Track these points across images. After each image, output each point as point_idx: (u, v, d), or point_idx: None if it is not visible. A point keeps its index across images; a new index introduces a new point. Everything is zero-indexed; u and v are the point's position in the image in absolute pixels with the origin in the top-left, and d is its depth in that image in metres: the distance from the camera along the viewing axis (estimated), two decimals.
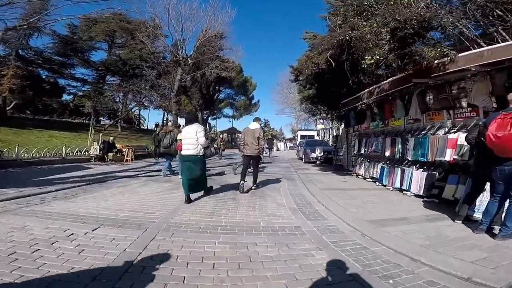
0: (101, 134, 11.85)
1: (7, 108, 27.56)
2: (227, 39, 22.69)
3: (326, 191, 6.31)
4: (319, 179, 8.43)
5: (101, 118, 33.46)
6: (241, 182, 6.05)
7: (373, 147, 7.77)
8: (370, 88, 7.31)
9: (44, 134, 15.44)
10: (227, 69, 22.65)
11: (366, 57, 5.57)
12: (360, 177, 8.56)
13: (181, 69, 21.65)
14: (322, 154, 14.15)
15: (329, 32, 7.69)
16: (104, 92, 24.66)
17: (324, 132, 34.93)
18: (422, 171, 5.80)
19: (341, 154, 11.76)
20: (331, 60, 7.14)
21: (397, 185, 6.42)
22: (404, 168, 6.34)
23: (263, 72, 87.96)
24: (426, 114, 6.00)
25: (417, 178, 5.83)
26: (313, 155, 14.55)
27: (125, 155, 11.87)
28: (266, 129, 55.19)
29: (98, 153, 11.30)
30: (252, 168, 6.45)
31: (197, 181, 5.08)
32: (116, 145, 12.51)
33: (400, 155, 6.53)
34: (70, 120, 32.15)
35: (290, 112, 45.70)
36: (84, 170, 8.56)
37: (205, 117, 38.87)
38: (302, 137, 31.71)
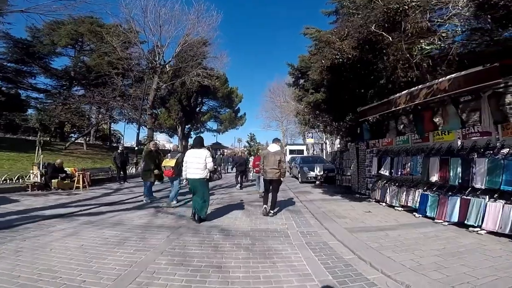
0: (41, 156, 9.00)
1: None
2: (211, 46, 20.90)
3: (359, 235, 4.16)
4: (333, 209, 6.28)
5: (72, 135, 29.61)
6: (264, 206, 5.82)
7: (408, 169, 5.82)
8: (413, 89, 5.38)
9: None
10: (210, 77, 20.62)
11: (421, 42, 3.66)
12: (383, 204, 6.53)
13: (157, 77, 19.56)
14: (322, 173, 12.12)
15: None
16: (69, 104, 21.26)
17: (313, 146, 33.41)
18: (506, 203, 3.84)
19: (348, 173, 9.76)
20: (377, 36, 4.86)
21: (455, 218, 4.48)
22: (469, 198, 4.37)
23: (248, 85, 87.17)
24: (502, 125, 4.15)
25: (496, 211, 3.89)
26: (311, 174, 12.48)
27: (75, 182, 9.11)
28: (252, 143, 53.37)
29: (38, 180, 8.52)
30: (271, 192, 5.82)
31: (197, 204, 5.01)
32: (65, 168, 9.75)
33: (459, 180, 4.57)
34: (30, 138, 28.16)
35: (277, 126, 44.51)
36: (7, 205, 5.88)
37: (186, 132, 36.19)
38: (291, 151, 30.03)
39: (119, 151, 12.13)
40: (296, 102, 22.00)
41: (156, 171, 6.96)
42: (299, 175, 13.43)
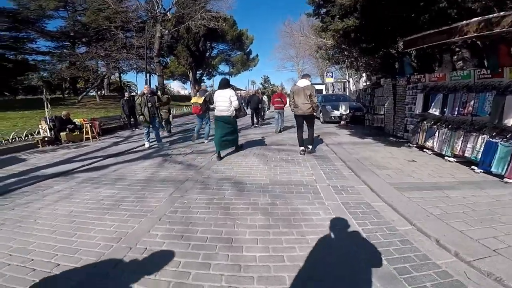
0: (47, 110, 8.36)
1: None
2: None
3: (410, 194, 3.21)
4: (368, 156, 5.27)
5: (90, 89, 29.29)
6: (301, 149, 5.78)
7: (470, 108, 4.42)
8: (491, 16, 3.62)
9: None
10: (216, 20, 19.36)
11: None
12: (428, 152, 5.36)
13: (160, 26, 18.80)
14: (348, 112, 10.75)
15: None
16: (74, 61, 20.39)
17: (333, 86, 30.82)
18: None
19: (381, 113, 8.37)
20: None
21: None
22: None
23: (259, 27, 79.41)
24: None
25: None
26: (335, 113, 11.15)
27: (84, 133, 8.65)
28: (266, 85, 51.09)
29: (48, 135, 8.11)
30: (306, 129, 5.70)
31: (229, 139, 5.57)
32: (73, 120, 9.23)
33: None
34: (46, 96, 28.21)
35: (292, 66, 41.46)
36: (14, 165, 5.50)
37: (198, 77, 34.50)
38: None
39: (125, 98, 11.45)
40: (316, 36, 18.98)
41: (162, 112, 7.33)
42: (321, 114, 12.16)
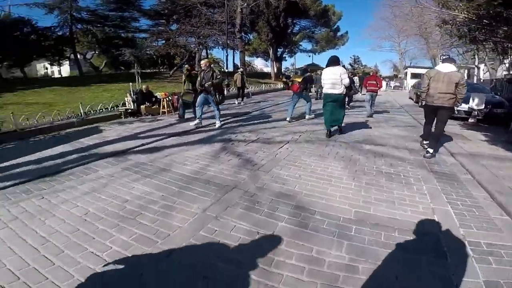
0: (132, 84, 8.76)
1: (100, 68, 29.51)
2: None
3: None
4: None
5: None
6: (424, 143, 4.80)
7: None
8: None
9: (100, 89, 14.08)
10: None
11: None
12: None
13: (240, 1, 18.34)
14: (482, 107, 7.46)
15: None
16: (166, 38, 22.26)
17: None
18: None
19: None
20: None
21: None
22: None
23: (348, 3, 70.03)
24: None
25: None
26: (463, 106, 7.93)
27: (161, 107, 8.78)
28: (356, 65, 45.62)
29: (132, 107, 8.58)
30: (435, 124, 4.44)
31: (337, 118, 5.35)
32: (155, 94, 9.52)
33: None
34: (147, 71, 32.32)
35: (391, 47, 36.20)
36: (87, 138, 5.66)
37: (279, 54, 33.04)
38: (414, 75, 23.98)
39: (185, 71, 11.30)
40: (440, 6, 14.25)
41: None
42: None
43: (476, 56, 19.06)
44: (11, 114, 5.95)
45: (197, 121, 6.65)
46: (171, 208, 2.60)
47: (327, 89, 5.21)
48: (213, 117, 6.80)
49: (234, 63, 24.74)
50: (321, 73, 5.70)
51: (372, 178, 3.43)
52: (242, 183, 3.19)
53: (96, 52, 28.87)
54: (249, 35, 30.85)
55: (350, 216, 2.50)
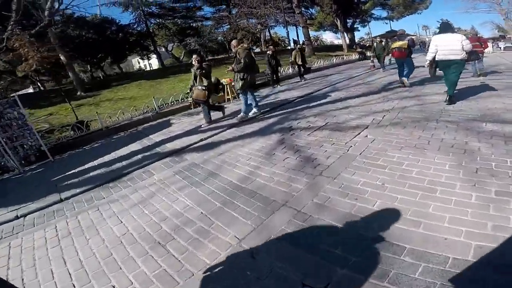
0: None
1: (181, 58, 32.17)
2: None
3: None
4: None
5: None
6: None
7: None
8: None
9: (176, 79, 15.00)
10: None
11: None
12: None
13: None
14: None
15: None
16: (229, 23, 22.09)
17: None
18: None
19: None
20: None
21: None
22: None
23: None
24: None
25: None
26: None
27: (225, 93, 8.59)
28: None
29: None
30: None
31: (455, 81, 4.91)
32: (221, 80, 9.39)
33: None
34: (225, 56, 33.37)
35: (489, 7, 29.35)
36: (156, 134, 5.86)
37: (349, 25, 28.80)
38: None
39: (269, 53, 10.43)
40: None
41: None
42: None
43: None
44: (96, 113, 6.77)
45: (254, 110, 6.04)
46: (205, 234, 2.16)
47: (446, 55, 4.84)
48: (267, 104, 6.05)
49: (294, 39, 22.94)
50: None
51: (508, 184, 2.10)
52: (296, 197, 2.46)
53: (174, 44, 31.07)
54: (310, 9, 28.57)
55: (467, 257, 1.48)
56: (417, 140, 3.26)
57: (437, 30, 5.88)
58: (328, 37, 47.21)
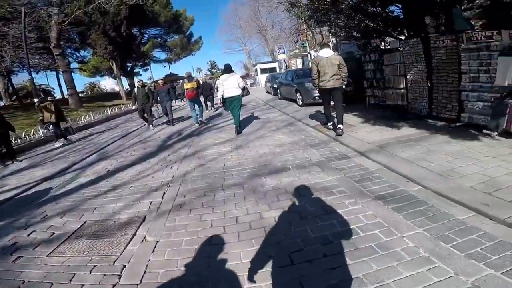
0: None
1: None
2: None
3: None
4: (461, 170, 2.23)
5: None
6: (329, 124, 5.16)
7: None
8: None
9: None
10: None
11: None
12: None
13: (58, 9, 14.52)
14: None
15: None
16: None
17: (285, 62, 28.34)
18: None
19: (400, 86, 5.44)
20: None
21: None
22: None
23: (199, 8, 73.32)
24: None
25: None
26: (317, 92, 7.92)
27: None
28: (214, 70, 47.35)
29: None
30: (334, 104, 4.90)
31: (237, 115, 6.03)
32: None
33: None
34: None
35: (239, 48, 40.09)
36: None
37: (128, 69, 28.25)
38: (263, 70, 26.16)
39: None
40: None
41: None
42: (298, 95, 8.98)
43: (307, 44, 22.15)
44: None
45: None
46: None
47: (228, 93, 5.76)
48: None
49: (45, 89, 18.38)
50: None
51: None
52: None
53: None
54: (82, 51, 25.20)
55: None
56: (210, 229, 2.40)
57: (208, 72, 6.84)
58: (108, 83, 41.87)
